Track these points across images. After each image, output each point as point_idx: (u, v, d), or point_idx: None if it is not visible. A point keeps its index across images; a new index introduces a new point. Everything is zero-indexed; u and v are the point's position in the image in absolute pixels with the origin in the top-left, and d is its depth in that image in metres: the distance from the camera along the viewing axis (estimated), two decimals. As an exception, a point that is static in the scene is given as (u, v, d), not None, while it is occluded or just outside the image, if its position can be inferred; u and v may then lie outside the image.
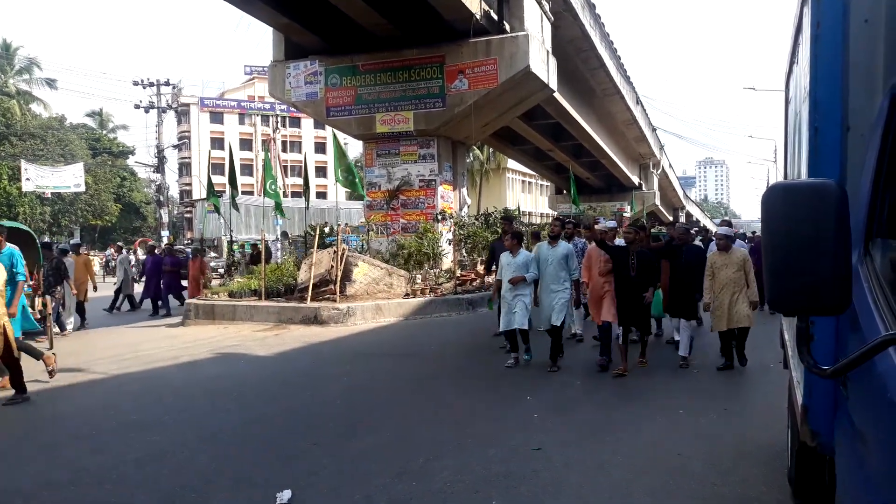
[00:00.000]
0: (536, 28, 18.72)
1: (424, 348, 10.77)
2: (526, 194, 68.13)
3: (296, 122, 73.82)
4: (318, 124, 61.73)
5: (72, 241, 19.37)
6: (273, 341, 11.77)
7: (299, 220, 30.53)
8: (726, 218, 19.58)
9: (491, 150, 52.09)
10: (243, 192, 42.04)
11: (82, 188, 46.06)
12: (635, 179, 46.58)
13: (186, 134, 70.74)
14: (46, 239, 40.84)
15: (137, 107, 40.11)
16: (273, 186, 17.24)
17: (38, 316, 11.33)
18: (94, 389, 8.42)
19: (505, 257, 8.65)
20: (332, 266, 14.49)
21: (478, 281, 15.86)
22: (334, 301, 13.90)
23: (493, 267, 10.05)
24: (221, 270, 21.33)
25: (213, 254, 33.38)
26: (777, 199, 1.77)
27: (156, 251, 18.75)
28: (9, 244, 8.82)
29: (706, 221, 73.44)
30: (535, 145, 35.04)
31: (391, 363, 9.71)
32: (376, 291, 14.91)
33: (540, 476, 4.82)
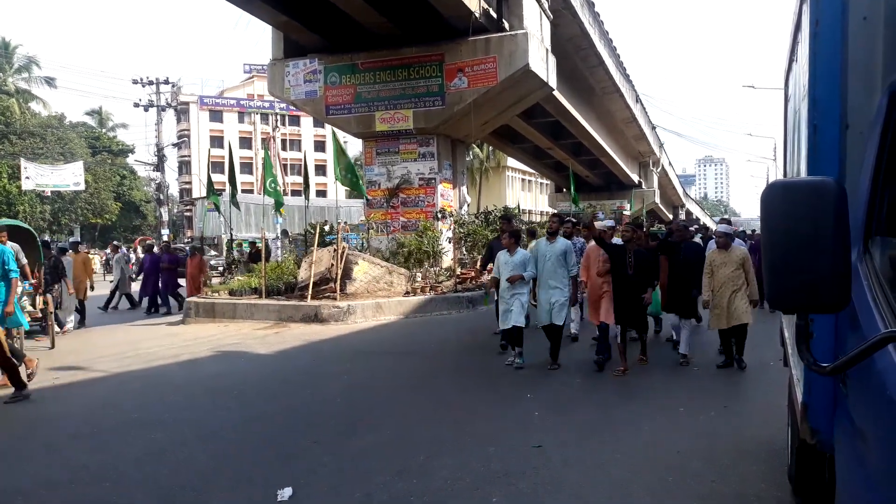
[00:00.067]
0: (535, 26, 18.71)
1: (424, 346, 10.77)
2: (526, 192, 68.13)
3: (295, 121, 73.76)
4: (318, 123, 61.66)
5: (71, 240, 19.36)
6: (273, 339, 11.78)
7: (299, 219, 30.55)
8: (726, 216, 19.59)
9: (490, 148, 52.08)
10: (243, 191, 42.11)
11: (82, 187, 46.06)
12: (635, 178, 46.57)
13: (186, 132, 70.71)
14: (46, 237, 40.90)
15: (137, 105, 40.10)
16: (273, 184, 17.20)
17: (40, 315, 11.32)
18: (95, 388, 8.43)
19: (503, 256, 8.64)
20: (333, 264, 14.50)
21: (477, 279, 15.86)
22: (334, 299, 13.90)
23: (489, 265, 10.04)
24: (221, 269, 21.32)
25: (213, 252, 33.37)
26: (776, 197, 1.78)
27: (154, 249, 18.73)
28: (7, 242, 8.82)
29: (706, 219, 73.47)
30: (535, 143, 35.02)
31: (391, 361, 9.72)
32: (376, 290, 14.92)
33: (539, 474, 4.82)
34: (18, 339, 9.55)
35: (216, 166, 37.31)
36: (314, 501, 4.49)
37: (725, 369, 8.19)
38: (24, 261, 9.77)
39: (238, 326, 13.46)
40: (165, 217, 42.38)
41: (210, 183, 18.46)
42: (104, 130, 63.78)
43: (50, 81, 52.54)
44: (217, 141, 65.11)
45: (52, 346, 11.15)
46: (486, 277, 11.27)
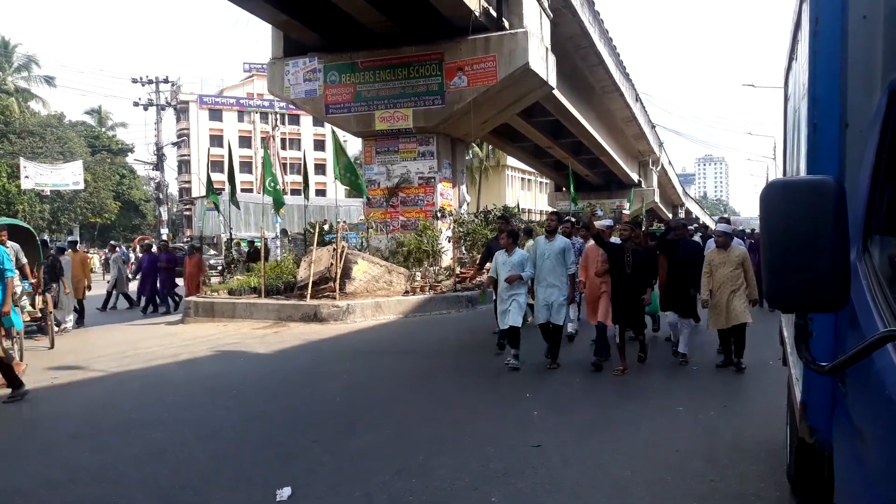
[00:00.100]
0: (535, 25, 18.70)
1: (424, 346, 10.78)
2: (525, 191, 68.14)
3: (295, 120, 73.72)
4: (318, 122, 61.63)
5: (69, 239, 19.31)
6: (273, 339, 11.77)
7: (298, 218, 30.51)
8: (725, 215, 19.52)
9: (490, 147, 52.08)
10: (242, 190, 42.04)
11: (81, 186, 46.09)
12: (634, 177, 46.58)
13: (185, 131, 70.69)
14: (45, 237, 40.88)
15: (136, 104, 40.13)
16: (272, 184, 17.17)
17: (39, 314, 11.29)
18: (94, 387, 8.42)
19: (501, 256, 8.59)
20: (332, 264, 14.49)
21: (475, 279, 15.86)
22: (334, 299, 13.90)
23: (487, 264, 10.01)
24: (220, 268, 21.27)
25: (212, 251, 33.36)
26: (775, 196, 1.77)
27: (153, 249, 18.67)
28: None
29: (705, 218, 73.48)
30: (535, 142, 35.02)
31: (391, 361, 9.72)
32: (376, 289, 14.92)
33: (539, 473, 4.82)
34: (18, 339, 9.51)
35: (215, 165, 37.31)
36: (313, 501, 4.48)
37: (724, 369, 8.18)
38: (24, 260, 9.76)
39: (237, 326, 13.45)
40: (165, 216, 42.41)
41: (209, 182, 18.46)
42: (104, 129, 63.80)
43: (49, 80, 52.56)
44: (216, 140, 65.11)
45: (52, 346, 11.15)
46: (483, 277, 11.20)
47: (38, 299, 11.18)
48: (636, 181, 46.96)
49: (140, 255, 21.25)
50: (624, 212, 22.86)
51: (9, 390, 7.58)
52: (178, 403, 7.35)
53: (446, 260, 17.64)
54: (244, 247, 22.62)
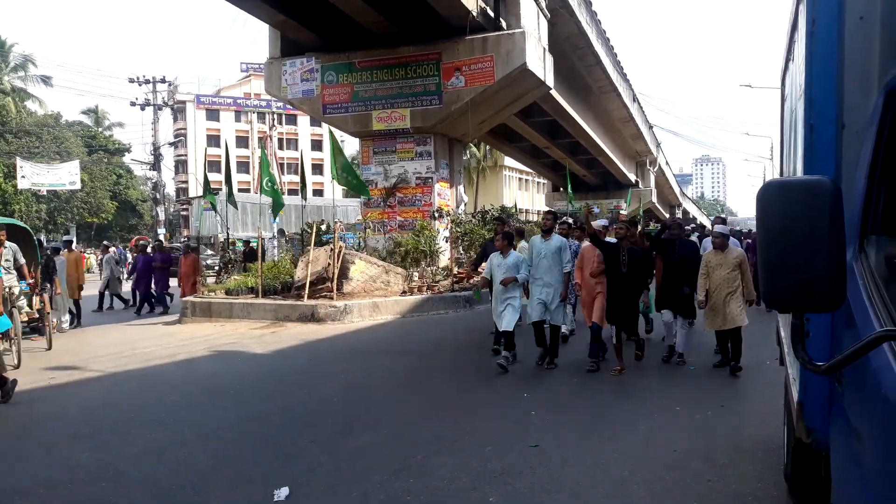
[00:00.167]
0: (533, 25, 18.72)
1: (421, 346, 10.78)
2: (523, 192, 68.12)
3: (292, 120, 73.67)
4: (315, 122, 61.45)
5: (63, 238, 19.18)
6: (270, 339, 11.77)
7: (296, 218, 30.50)
8: (720, 215, 19.51)
9: (488, 147, 52.08)
10: (240, 190, 41.96)
11: (78, 186, 46.02)
12: (632, 177, 46.63)
13: (182, 131, 70.56)
14: (42, 237, 40.81)
15: (133, 104, 40.03)
16: (270, 184, 17.11)
17: (37, 315, 11.21)
18: (92, 387, 8.41)
19: (496, 258, 8.54)
20: (329, 264, 14.49)
21: (470, 279, 15.86)
22: (331, 299, 13.89)
23: (482, 265, 9.95)
24: (217, 268, 21.24)
25: (209, 251, 33.32)
26: (772, 197, 1.78)
27: (147, 250, 18.58)
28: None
29: (703, 219, 73.55)
30: (532, 143, 35.05)
31: (388, 361, 9.72)
32: (373, 289, 14.92)
33: (537, 473, 4.83)
34: (16, 341, 9.46)
35: (213, 165, 37.31)
36: (312, 501, 4.49)
37: (722, 368, 8.18)
38: (23, 261, 9.69)
39: (234, 326, 13.44)
40: (162, 216, 42.30)
41: (206, 182, 18.41)
42: (100, 129, 63.70)
43: (46, 80, 52.39)
44: (214, 140, 65.01)
45: (49, 348, 11.08)
46: (477, 278, 11.06)
47: (36, 300, 11.10)
48: (633, 181, 47.02)
49: (135, 255, 21.18)
50: (621, 212, 22.88)
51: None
52: (177, 403, 7.35)
53: (444, 260, 17.65)
54: (239, 246, 22.58)
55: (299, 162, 21.44)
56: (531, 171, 54.42)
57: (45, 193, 46.09)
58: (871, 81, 2.67)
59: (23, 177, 42.23)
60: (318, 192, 66.40)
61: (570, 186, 26.54)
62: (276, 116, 62.93)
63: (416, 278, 16.00)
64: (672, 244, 8.63)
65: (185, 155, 71.18)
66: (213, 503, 4.55)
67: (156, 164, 41.59)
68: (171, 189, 67.58)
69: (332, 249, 14.72)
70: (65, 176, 43.97)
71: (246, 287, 15.54)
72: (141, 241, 23.94)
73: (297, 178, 28.97)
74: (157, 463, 5.29)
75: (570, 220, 11.94)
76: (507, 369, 8.24)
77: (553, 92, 21.96)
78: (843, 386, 2.13)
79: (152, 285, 17.18)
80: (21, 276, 9.67)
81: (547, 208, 46.13)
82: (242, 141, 71.93)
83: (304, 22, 18.19)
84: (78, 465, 5.30)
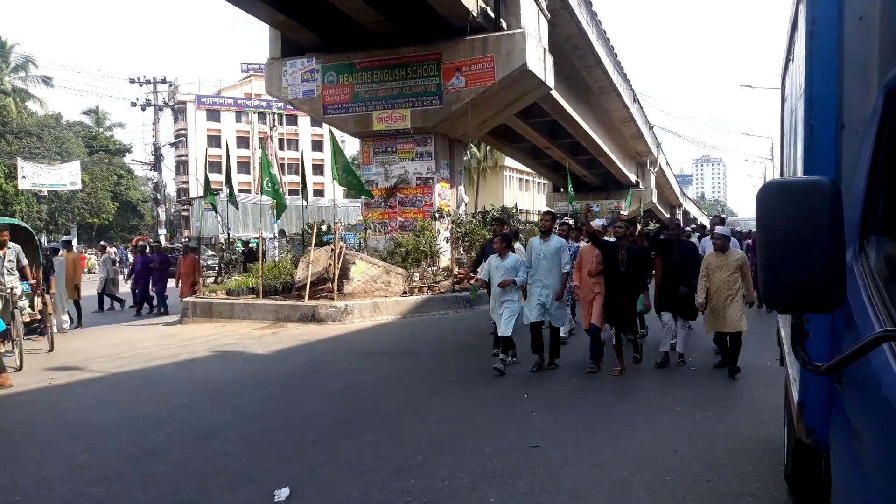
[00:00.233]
0: (533, 25, 18.72)
1: (422, 346, 10.78)
2: (523, 192, 68.10)
3: (293, 120, 73.70)
4: (315, 122, 61.50)
5: (63, 239, 19.11)
6: (271, 339, 11.77)
7: (297, 219, 30.48)
8: (718, 214, 19.41)
9: (488, 147, 52.08)
10: (240, 191, 41.99)
11: (79, 186, 46.07)
12: (632, 177, 46.64)
13: (183, 132, 70.60)
14: (43, 237, 40.83)
15: (134, 105, 40.12)
16: (270, 184, 17.08)
17: (38, 316, 11.14)
18: (93, 387, 8.42)
19: (494, 260, 8.44)
20: (330, 264, 14.49)
21: (468, 281, 15.84)
22: (332, 299, 13.90)
23: (480, 267, 9.83)
24: (218, 268, 21.21)
25: (210, 252, 33.34)
26: (771, 197, 1.78)
27: (146, 250, 18.58)
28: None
29: (703, 219, 73.54)
30: (532, 143, 35.06)
31: (389, 361, 9.72)
32: (374, 289, 14.92)
33: (537, 473, 4.83)
34: (17, 343, 9.41)
35: (213, 166, 37.32)
36: (312, 501, 4.49)
37: (722, 369, 8.17)
38: (25, 262, 9.64)
39: (235, 326, 13.45)
40: (162, 217, 42.38)
41: (207, 183, 18.41)
42: (101, 130, 63.73)
43: (47, 81, 52.42)
44: (214, 140, 65.06)
45: (51, 349, 11.00)
46: (474, 280, 10.88)
47: (38, 301, 11.00)
48: (634, 182, 47.04)
49: (134, 255, 21.11)
50: (622, 212, 22.82)
51: (10, 390, 7.56)
52: (177, 404, 7.35)
53: (444, 260, 17.64)
54: (238, 247, 22.56)
55: (300, 162, 21.42)
56: (532, 171, 54.44)
57: (45, 194, 46.12)
58: (871, 81, 2.67)
59: (24, 177, 42.29)
60: (319, 193, 66.39)
61: (570, 187, 26.50)
62: (276, 117, 62.93)
63: (416, 279, 16.00)
64: (671, 245, 8.54)
65: (186, 155, 71.22)
66: (214, 503, 4.55)
67: (156, 165, 41.66)
68: (171, 189, 67.58)
69: (332, 250, 14.72)
70: (65, 176, 44.03)
71: (247, 287, 15.55)
72: (140, 242, 23.92)
73: (297, 179, 29.02)
74: (157, 463, 5.30)
75: (571, 221, 11.92)
76: (503, 372, 8.18)
77: (553, 92, 21.96)
78: (842, 386, 2.13)
79: (150, 286, 17.15)
80: (23, 277, 9.62)
81: (547, 209, 46.19)
82: (243, 141, 71.95)
83: (304, 22, 18.19)
84: (78, 465, 5.30)
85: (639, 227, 11.61)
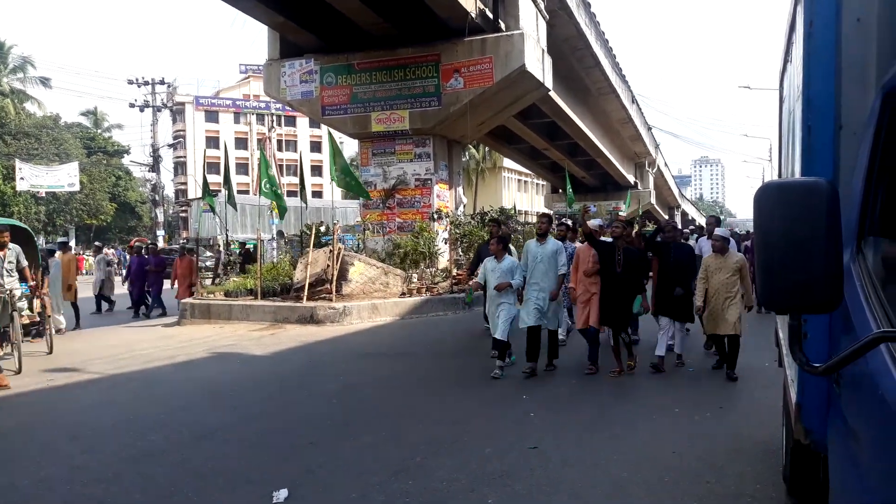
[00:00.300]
0: (532, 27, 18.72)
1: (420, 347, 10.77)
2: (522, 193, 68.12)
3: (291, 121, 73.69)
4: (314, 123, 61.57)
5: (59, 240, 19.06)
6: (269, 341, 11.76)
7: (295, 220, 30.52)
8: (714, 214, 19.31)
9: (487, 148, 52.11)
10: (239, 192, 42.00)
11: (77, 187, 46.00)
12: (631, 178, 46.66)
13: (181, 133, 70.57)
14: (41, 239, 40.80)
15: (132, 106, 40.11)
16: (268, 185, 17.06)
17: (38, 318, 11.09)
18: (91, 388, 8.41)
19: (490, 262, 8.36)
20: (329, 265, 14.48)
21: (465, 283, 15.81)
22: (330, 300, 13.89)
23: (477, 270, 9.76)
24: (219, 270, 21.18)
25: (208, 253, 33.34)
26: (769, 198, 1.78)
27: (142, 252, 18.54)
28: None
29: (702, 220, 73.53)
30: (531, 144, 35.08)
31: (387, 362, 9.72)
32: (372, 291, 14.91)
33: (536, 474, 4.83)
34: (17, 345, 9.36)
35: (212, 167, 37.28)
36: (310, 502, 4.49)
37: (720, 370, 8.16)
38: (25, 263, 9.60)
39: (234, 328, 13.44)
40: (161, 218, 42.36)
41: (205, 184, 18.40)
42: (99, 131, 63.67)
43: (45, 82, 52.38)
44: (213, 141, 65.00)
45: (51, 352, 10.93)
46: (472, 282, 10.72)
47: (37, 302, 10.91)
48: (632, 183, 47.06)
49: (130, 256, 21.03)
50: (620, 213, 22.80)
51: (9, 391, 7.54)
52: (175, 405, 7.34)
53: (443, 262, 17.64)
54: (235, 248, 22.53)
55: (298, 163, 21.40)
56: (530, 172, 54.45)
57: (43, 195, 46.05)
58: (868, 83, 2.67)
59: (21, 178, 42.23)
60: (318, 194, 66.34)
61: (569, 188, 26.44)
62: (275, 118, 62.93)
63: (415, 280, 16.00)
64: (667, 247, 8.48)
65: (184, 156, 71.19)
66: (212, 505, 4.54)
67: (155, 166, 41.65)
68: (170, 191, 67.58)
69: (331, 251, 14.71)
70: (64, 177, 43.97)
71: (245, 289, 15.53)
72: (136, 243, 23.88)
73: (296, 180, 28.98)
74: (156, 464, 5.29)
75: (569, 223, 11.91)
76: (499, 376, 8.10)
77: (552, 93, 21.97)
78: (840, 387, 2.13)
79: (147, 287, 17.12)
80: (23, 279, 9.58)
81: (547, 210, 46.20)
82: (241, 142, 71.95)
83: (302, 23, 18.18)
84: (77, 466, 5.30)
85: (636, 228, 11.59)
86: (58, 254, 14.60)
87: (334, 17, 17.20)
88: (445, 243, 17.84)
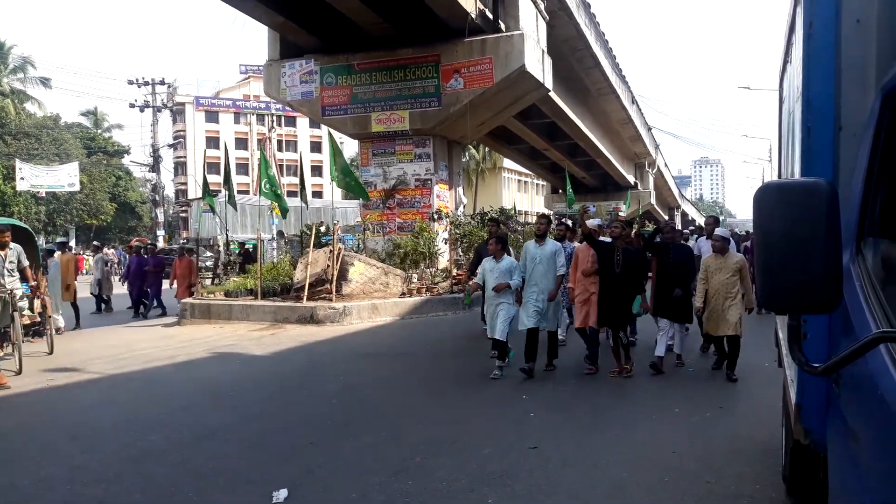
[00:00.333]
0: (532, 27, 18.73)
1: (420, 347, 10.78)
2: (522, 193, 68.12)
3: (291, 122, 73.68)
4: (314, 123, 61.56)
5: (58, 240, 19.03)
6: (269, 341, 11.77)
7: (295, 220, 30.50)
8: (713, 214, 19.23)
9: (487, 149, 52.12)
10: (239, 192, 41.99)
11: (77, 187, 45.99)
12: (631, 179, 46.66)
13: (182, 133, 70.55)
14: (41, 239, 40.79)
15: (132, 106, 40.11)
16: (268, 185, 17.04)
17: (38, 318, 11.06)
18: (91, 388, 8.41)
19: (488, 262, 8.31)
20: (329, 265, 14.49)
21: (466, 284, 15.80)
22: (330, 300, 13.89)
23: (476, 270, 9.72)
24: (219, 270, 21.18)
25: (208, 253, 33.35)
26: (769, 199, 1.79)
27: (141, 252, 18.52)
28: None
29: (702, 221, 73.48)
30: (531, 144, 35.08)
31: (387, 362, 9.72)
32: (372, 291, 14.91)
33: (535, 475, 4.83)
34: (17, 346, 9.33)
35: (212, 167, 37.27)
36: (310, 502, 4.49)
37: (720, 371, 8.16)
38: (26, 262, 9.58)
39: (234, 328, 13.44)
40: (161, 218, 42.35)
41: (205, 184, 18.39)
42: (100, 131, 63.66)
43: (45, 82, 52.35)
44: (213, 142, 64.99)
45: (51, 352, 10.88)
46: (472, 283, 10.66)
47: (37, 302, 10.85)
48: (632, 183, 47.06)
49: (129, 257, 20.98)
50: (620, 214, 22.78)
51: (10, 390, 7.53)
52: (175, 405, 7.35)
53: (443, 262, 17.64)
54: (234, 248, 22.52)
55: (299, 164, 21.39)
56: (530, 173, 54.46)
57: (44, 195, 46.04)
58: (868, 84, 2.68)
59: (22, 178, 42.22)
60: (318, 194, 66.33)
61: (569, 188, 26.44)
62: (275, 118, 62.92)
63: (415, 280, 16.00)
64: (666, 248, 8.44)
65: (185, 157, 71.18)
66: (212, 505, 4.55)
67: (155, 166, 41.64)
68: (170, 191, 67.55)
69: (331, 251, 14.72)
70: (64, 178, 43.96)
71: (245, 289, 15.53)
72: (136, 243, 23.85)
73: (296, 180, 29.00)
74: (156, 464, 5.30)
75: (569, 223, 11.91)
76: (498, 377, 8.10)
77: (552, 94, 21.96)
78: (840, 387, 2.13)
79: (146, 287, 17.12)
80: (24, 279, 9.56)
81: (547, 210, 46.19)
82: (241, 143, 71.94)
83: (303, 24, 18.19)
84: (77, 466, 5.30)
85: (635, 228, 11.57)
86: (57, 254, 14.59)
87: (334, 17, 17.21)
88: (445, 243, 17.84)
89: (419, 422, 6.43)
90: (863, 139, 2.23)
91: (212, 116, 72.76)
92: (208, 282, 18.14)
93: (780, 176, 5.95)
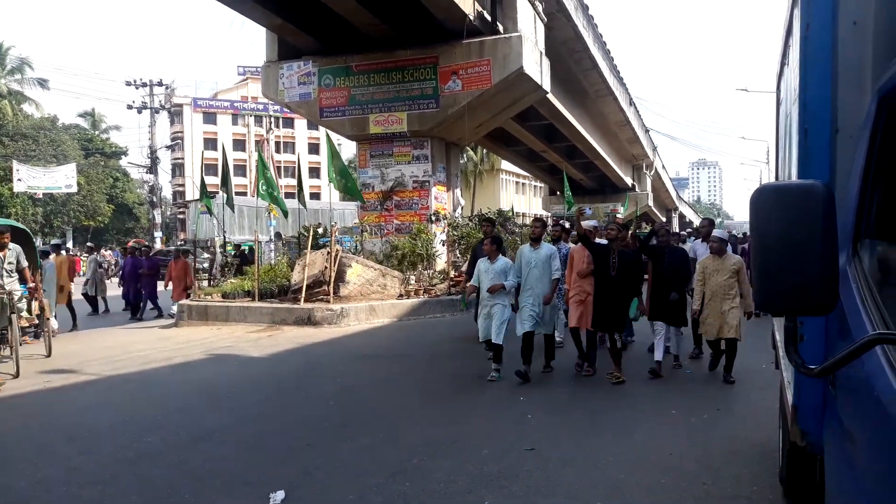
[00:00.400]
0: (530, 29, 18.75)
1: (418, 349, 10.77)
2: (520, 195, 68.22)
3: (289, 123, 73.66)
4: (312, 125, 61.61)
5: (53, 242, 18.98)
6: (266, 342, 11.76)
7: (293, 222, 30.46)
8: (709, 216, 19.17)
9: (485, 151, 52.21)
10: (236, 193, 41.94)
11: (74, 189, 45.93)
12: (628, 180, 46.73)
13: (179, 134, 70.53)
14: (39, 240, 40.71)
15: (130, 107, 40.01)
16: (265, 186, 17.01)
17: (36, 320, 11.01)
18: (88, 390, 8.40)
19: (483, 263, 8.23)
20: (326, 267, 14.48)
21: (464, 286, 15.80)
22: (328, 302, 13.89)
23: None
24: (215, 271, 21.14)
25: (205, 255, 33.30)
26: (766, 200, 1.79)
27: (136, 253, 18.45)
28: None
29: (698, 223, 73.57)
30: (529, 146, 35.10)
31: (385, 364, 9.71)
32: (370, 292, 14.91)
33: (533, 476, 4.84)
34: (14, 348, 9.30)
35: (209, 168, 37.25)
36: (307, 503, 4.49)
37: (717, 372, 8.15)
38: (25, 264, 9.54)
39: (231, 329, 13.43)
40: (158, 219, 42.29)
41: (203, 185, 18.36)
42: (97, 132, 63.64)
43: (42, 83, 52.30)
44: (211, 143, 65.01)
45: (49, 354, 10.79)
46: (469, 285, 10.59)
47: (35, 304, 10.76)
48: (630, 185, 47.15)
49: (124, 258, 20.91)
50: (618, 215, 22.76)
51: (9, 392, 7.50)
52: (172, 406, 7.34)
53: (440, 263, 17.64)
54: (230, 250, 22.47)
55: (296, 165, 21.37)
56: (528, 174, 54.52)
57: (41, 196, 46.00)
58: (864, 86, 2.68)
59: (19, 180, 42.14)
60: (315, 196, 66.21)
61: (567, 190, 26.39)
62: (272, 120, 62.82)
63: (412, 282, 16.00)
64: (661, 251, 8.39)
65: (182, 158, 71.14)
66: (209, 506, 4.54)
67: (152, 168, 41.56)
68: (167, 192, 67.55)
69: (328, 253, 14.71)
70: (61, 179, 43.88)
71: (242, 290, 15.51)
72: (131, 244, 23.79)
73: (294, 182, 29.00)
74: (152, 466, 5.29)
75: (566, 224, 11.91)
76: (494, 379, 8.07)
77: (550, 96, 21.97)
78: (836, 389, 2.13)
79: (141, 289, 17.10)
80: (22, 280, 9.53)
81: (545, 212, 46.17)
82: (239, 144, 71.94)
83: (301, 25, 18.19)
84: (74, 468, 5.29)
85: (631, 230, 11.55)
86: (52, 256, 14.55)
87: (332, 18, 17.21)
88: (443, 245, 17.84)
89: (417, 423, 6.42)
90: (859, 141, 2.23)
91: (209, 118, 72.73)
92: (204, 283, 18.11)
93: (777, 178, 5.96)
